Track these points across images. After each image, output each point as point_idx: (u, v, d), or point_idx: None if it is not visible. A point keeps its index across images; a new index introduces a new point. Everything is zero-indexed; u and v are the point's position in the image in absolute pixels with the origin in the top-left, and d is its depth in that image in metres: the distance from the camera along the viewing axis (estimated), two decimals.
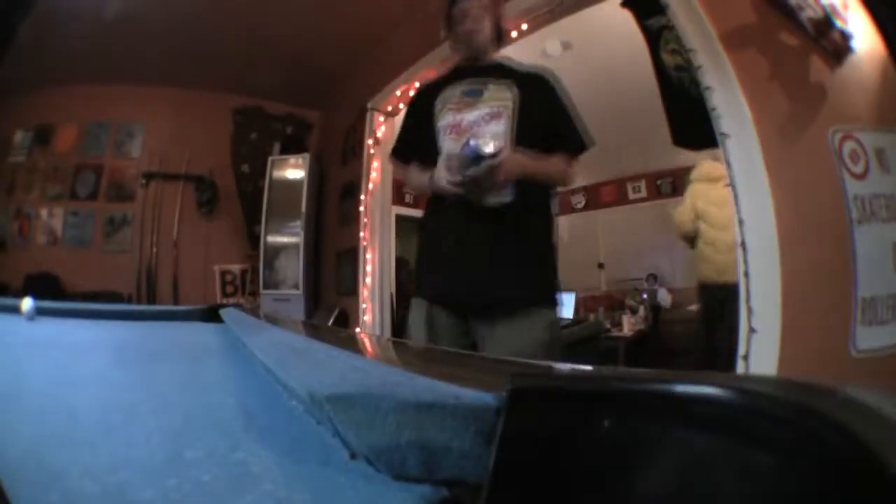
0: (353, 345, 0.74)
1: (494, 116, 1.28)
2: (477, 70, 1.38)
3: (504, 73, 1.35)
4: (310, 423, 0.39)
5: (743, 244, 1.57)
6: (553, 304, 1.31)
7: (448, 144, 1.30)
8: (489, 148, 1.13)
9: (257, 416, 0.43)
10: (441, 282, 1.32)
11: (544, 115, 1.30)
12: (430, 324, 1.31)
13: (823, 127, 1.60)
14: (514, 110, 1.28)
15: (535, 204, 1.31)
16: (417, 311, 1.35)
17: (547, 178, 1.33)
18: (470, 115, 1.30)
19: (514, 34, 2.71)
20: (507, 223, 1.25)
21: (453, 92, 1.36)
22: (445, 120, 1.33)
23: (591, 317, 4.69)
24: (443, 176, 1.22)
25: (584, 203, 7.33)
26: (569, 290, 5.17)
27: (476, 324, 1.29)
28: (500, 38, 1.43)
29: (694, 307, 5.46)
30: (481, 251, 1.25)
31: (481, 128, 1.27)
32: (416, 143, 1.41)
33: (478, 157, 1.13)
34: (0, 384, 0.52)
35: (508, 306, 1.23)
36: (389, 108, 3.75)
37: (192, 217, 4.59)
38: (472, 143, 1.14)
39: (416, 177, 1.38)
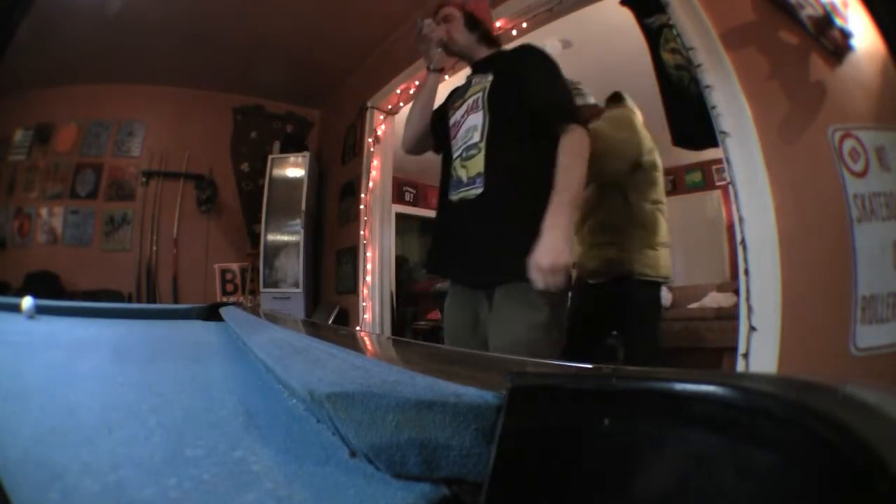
0: (353, 343, 0.74)
1: (471, 110, 1.39)
2: (475, 67, 1.50)
3: (491, 63, 1.44)
4: (310, 421, 0.39)
5: (743, 242, 1.57)
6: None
7: (453, 143, 1.45)
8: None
9: (257, 414, 0.43)
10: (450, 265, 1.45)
11: (517, 88, 1.31)
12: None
13: (823, 125, 1.59)
14: (486, 98, 1.34)
15: (510, 195, 1.30)
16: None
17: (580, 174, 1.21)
18: (458, 114, 1.44)
19: (514, 32, 2.71)
20: (482, 211, 1.31)
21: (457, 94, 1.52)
22: (451, 121, 1.48)
23: None
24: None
25: None
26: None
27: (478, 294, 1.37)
28: (488, 37, 1.51)
29: (695, 305, 5.39)
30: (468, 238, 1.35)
31: (465, 123, 1.38)
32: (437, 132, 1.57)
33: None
34: (0, 383, 0.52)
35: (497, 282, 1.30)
36: (389, 107, 3.75)
37: (192, 216, 4.59)
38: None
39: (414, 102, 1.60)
